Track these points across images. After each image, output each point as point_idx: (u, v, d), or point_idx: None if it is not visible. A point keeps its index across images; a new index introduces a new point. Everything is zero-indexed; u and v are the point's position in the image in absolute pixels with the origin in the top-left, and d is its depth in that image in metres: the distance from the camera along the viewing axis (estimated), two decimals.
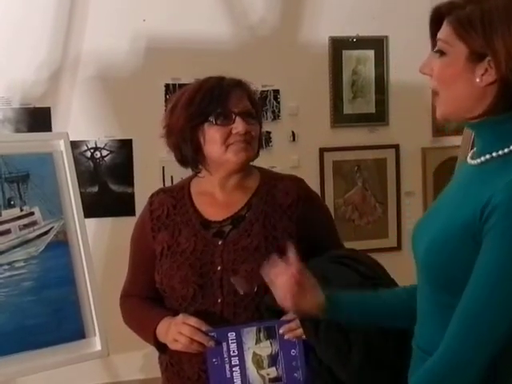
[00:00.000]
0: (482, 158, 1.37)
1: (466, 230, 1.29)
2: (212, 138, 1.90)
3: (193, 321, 1.82)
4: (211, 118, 1.90)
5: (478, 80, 1.32)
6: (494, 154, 1.35)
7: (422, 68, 1.42)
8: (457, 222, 1.32)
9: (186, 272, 1.89)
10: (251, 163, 2.01)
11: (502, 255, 1.25)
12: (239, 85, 1.95)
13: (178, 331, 1.82)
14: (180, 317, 1.85)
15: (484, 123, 1.37)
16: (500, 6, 1.30)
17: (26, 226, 2.27)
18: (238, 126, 1.89)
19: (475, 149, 1.43)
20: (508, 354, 1.29)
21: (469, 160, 1.42)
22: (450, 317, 1.31)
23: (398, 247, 3.70)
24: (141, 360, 3.26)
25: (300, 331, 1.78)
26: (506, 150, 1.34)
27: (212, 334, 1.82)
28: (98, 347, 2.31)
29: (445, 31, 1.36)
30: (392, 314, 1.61)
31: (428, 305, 1.42)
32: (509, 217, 1.24)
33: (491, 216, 1.25)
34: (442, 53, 1.37)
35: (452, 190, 1.45)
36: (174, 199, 2.00)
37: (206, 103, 1.90)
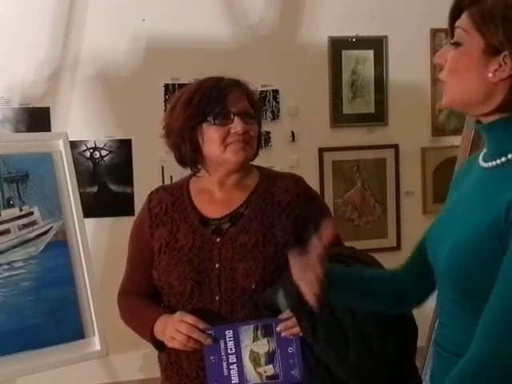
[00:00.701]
0: (498, 161, 1.35)
1: (491, 233, 1.28)
2: (210, 137, 1.91)
3: (190, 318, 1.82)
4: (209, 118, 1.90)
5: (490, 75, 1.30)
6: (510, 156, 1.33)
7: (437, 58, 1.40)
8: (480, 225, 1.30)
9: (184, 268, 1.89)
10: (251, 163, 2.01)
11: None
12: (238, 85, 1.95)
13: (176, 329, 1.82)
14: (177, 314, 1.85)
15: (494, 125, 1.35)
16: None
17: (25, 225, 2.27)
18: (237, 125, 1.89)
19: (486, 151, 1.41)
20: None
21: (481, 163, 1.40)
22: (475, 318, 1.28)
23: (398, 247, 3.71)
24: (140, 360, 3.26)
25: (297, 329, 1.78)
26: None
27: (209, 331, 1.82)
28: (98, 347, 2.31)
29: (464, 21, 1.34)
30: (386, 292, 1.60)
31: (451, 307, 1.40)
32: None
33: None
34: (457, 44, 1.35)
35: (467, 193, 1.43)
36: (173, 197, 2.01)
37: (204, 103, 1.90)
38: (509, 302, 1.24)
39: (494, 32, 1.28)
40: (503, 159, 1.34)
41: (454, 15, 1.37)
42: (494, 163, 1.36)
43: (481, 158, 1.42)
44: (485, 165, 1.39)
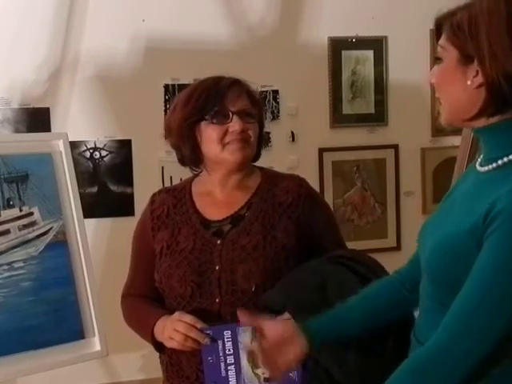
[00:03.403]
0: (490, 167, 1.40)
1: (472, 236, 1.32)
2: (209, 136, 1.90)
3: (188, 318, 1.82)
4: (208, 117, 1.90)
5: (469, 82, 1.36)
6: (500, 162, 1.37)
7: (430, 78, 1.47)
8: (464, 228, 1.34)
9: (185, 271, 1.89)
10: (253, 164, 2.01)
11: (500, 257, 1.27)
12: (237, 83, 1.94)
13: (174, 328, 1.82)
14: (176, 314, 1.85)
15: (487, 129, 1.39)
16: (485, 11, 1.34)
17: (25, 226, 2.27)
18: (235, 124, 1.88)
19: (482, 155, 1.45)
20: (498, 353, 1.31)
21: (478, 167, 1.45)
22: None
23: (398, 247, 3.70)
24: (140, 360, 3.26)
25: None
26: (510, 157, 1.36)
27: (208, 331, 1.81)
28: (98, 347, 2.31)
29: (442, 38, 1.41)
30: (385, 309, 1.65)
31: (430, 302, 1.45)
32: (509, 223, 1.26)
33: (494, 221, 1.28)
34: (439, 59, 1.42)
35: (461, 194, 1.47)
36: (175, 199, 2.01)
37: (202, 102, 1.90)
38: (474, 303, 1.29)
39: (463, 41, 1.35)
40: (494, 165, 1.39)
41: (438, 34, 1.44)
42: (487, 168, 1.41)
43: (478, 162, 1.46)
44: (481, 169, 1.43)
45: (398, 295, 1.65)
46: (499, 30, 1.32)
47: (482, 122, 1.39)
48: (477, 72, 1.34)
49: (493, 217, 1.28)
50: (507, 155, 1.37)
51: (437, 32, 1.45)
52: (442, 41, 1.41)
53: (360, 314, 1.64)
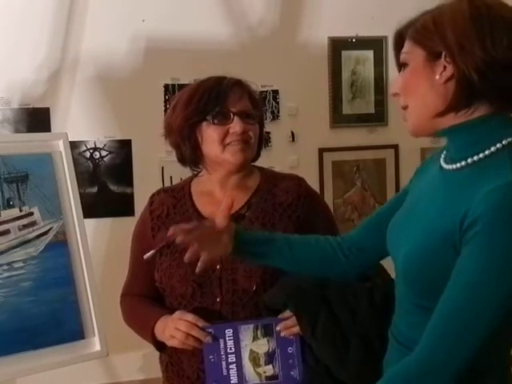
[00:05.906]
0: (458, 165, 1.38)
1: (446, 240, 1.31)
2: (210, 137, 1.90)
3: (190, 317, 1.82)
4: (209, 117, 1.90)
5: (437, 77, 1.36)
6: (469, 161, 1.36)
7: (392, 89, 1.47)
8: (437, 231, 1.34)
9: (185, 270, 1.89)
10: (252, 163, 2.01)
11: (481, 263, 1.26)
12: (239, 84, 1.94)
13: (175, 327, 1.82)
14: (177, 313, 1.85)
15: (454, 130, 1.38)
16: (448, 11, 1.37)
17: (25, 226, 2.26)
18: (236, 125, 1.88)
19: (447, 153, 1.44)
20: (484, 357, 1.30)
21: (442, 163, 1.44)
22: (426, 317, 1.34)
23: None
24: (140, 360, 3.26)
25: (297, 329, 1.78)
26: (481, 156, 1.35)
27: (209, 330, 1.81)
28: (98, 347, 2.30)
29: (406, 45, 1.43)
30: (312, 256, 1.73)
31: (405, 303, 1.45)
32: (491, 228, 1.25)
33: (472, 227, 1.27)
34: (405, 65, 1.43)
35: (427, 192, 1.46)
36: (175, 199, 2.00)
37: (204, 102, 1.90)
38: (456, 309, 1.28)
39: (430, 39, 1.37)
40: (463, 163, 1.38)
41: (398, 47, 1.47)
42: (454, 166, 1.40)
43: (442, 158, 1.45)
44: (446, 166, 1.42)
45: (331, 251, 1.70)
46: (464, 24, 1.33)
47: (449, 120, 1.38)
48: (444, 67, 1.35)
49: (470, 223, 1.27)
50: (477, 153, 1.36)
51: (397, 44, 1.47)
52: (406, 47, 1.42)
53: (287, 249, 1.71)
